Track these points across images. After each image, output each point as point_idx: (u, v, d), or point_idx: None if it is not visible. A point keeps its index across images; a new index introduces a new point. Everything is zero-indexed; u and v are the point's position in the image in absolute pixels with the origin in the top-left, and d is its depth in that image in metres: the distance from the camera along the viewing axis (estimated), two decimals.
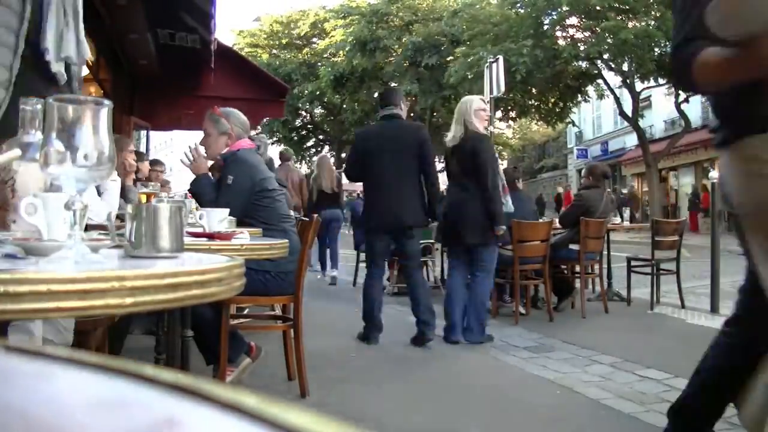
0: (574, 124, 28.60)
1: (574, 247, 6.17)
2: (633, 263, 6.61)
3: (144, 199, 3.36)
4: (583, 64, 20.69)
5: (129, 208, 1.30)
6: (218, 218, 2.26)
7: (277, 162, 7.99)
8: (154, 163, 6.88)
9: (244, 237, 2.12)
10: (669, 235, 6.45)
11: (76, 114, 1.04)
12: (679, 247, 6.48)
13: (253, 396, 0.30)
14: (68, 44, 2.78)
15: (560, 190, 27.66)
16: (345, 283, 8.52)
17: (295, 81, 26.96)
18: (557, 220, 6.61)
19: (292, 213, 4.23)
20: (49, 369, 0.37)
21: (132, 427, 0.28)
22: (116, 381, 0.34)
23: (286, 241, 2.23)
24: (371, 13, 26.11)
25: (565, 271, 6.56)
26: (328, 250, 8.96)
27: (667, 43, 18.14)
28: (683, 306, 6.40)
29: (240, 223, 3.29)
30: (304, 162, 37.57)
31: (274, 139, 32.41)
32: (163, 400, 0.31)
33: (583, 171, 6.86)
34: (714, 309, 5.94)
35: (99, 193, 3.64)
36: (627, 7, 17.91)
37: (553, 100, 23.69)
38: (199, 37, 6.59)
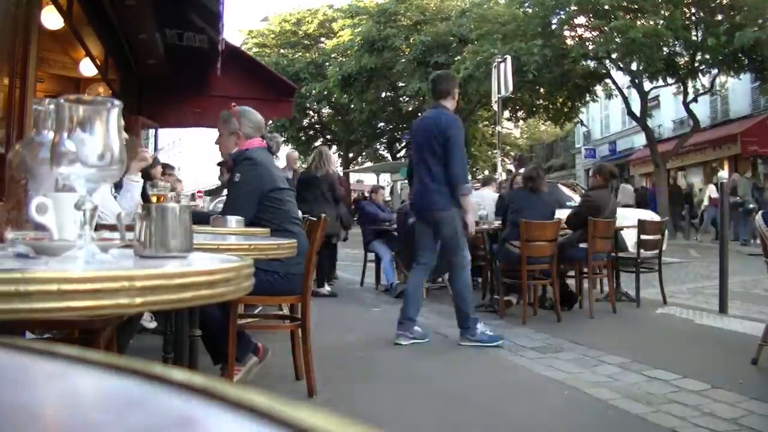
0: (582, 124, 28.50)
1: (583, 245, 6.16)
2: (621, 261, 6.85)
3: (154, 200, 3.37)
4: (592, 64, 20.59)
5: (139, 209, 1.30)
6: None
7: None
8: (165, 167, 6.89)
9: None
10: (653, 234, 6.62)
11: (86, 114, 1.04)
12: (661, 246, 6.68)
13: (264, 396, 0.31)
14: None
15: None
16: (353, 283, 8.52)
17: (303, 80, 26.95)
18: (564, 221, 6.59)
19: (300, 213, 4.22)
20: (61, 368, 0.37)
21: (145, 427, 0.29)
22: (128, 380, 0.34)
23: (294, 241, 2.23)
24: (379, 13, 26.09)
25: (572, 273, 6.55)
26: None
27: (676, 42, 18.08)
28: (665, 302, 6.50)
29: (249, 224, 3.29)
30: None
31: (282, 138, 32.44)
32: (175, 400, 0.31)
33: (590, 171, 6.84)
34: (722, 309, 5.91)
35: (118, 192, 3.66)
36: (635, 7, 17.82)
37: (561, 99, 23.61)
38: (207, 37, 6.60)
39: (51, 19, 5.69)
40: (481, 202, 7.85)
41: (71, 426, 0.29)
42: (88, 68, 7.24)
